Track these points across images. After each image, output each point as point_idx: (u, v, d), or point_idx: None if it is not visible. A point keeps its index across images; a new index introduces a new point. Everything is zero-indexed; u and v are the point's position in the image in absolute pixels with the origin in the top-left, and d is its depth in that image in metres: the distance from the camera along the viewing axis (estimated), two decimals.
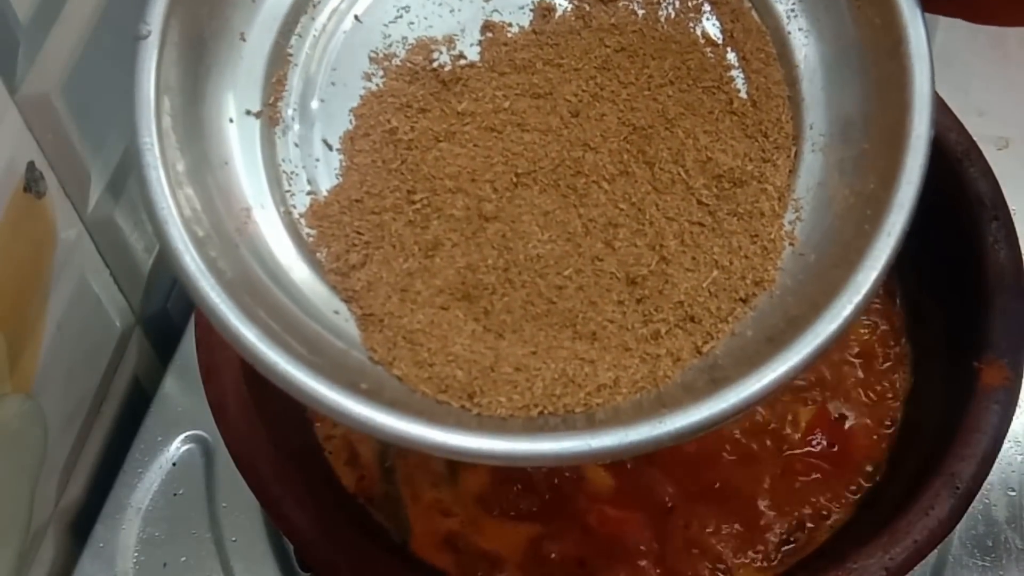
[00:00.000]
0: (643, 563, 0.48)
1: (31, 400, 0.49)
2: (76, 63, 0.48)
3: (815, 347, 0.32)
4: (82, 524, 0.55)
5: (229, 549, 0.53)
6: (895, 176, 0.34)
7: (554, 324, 0.35)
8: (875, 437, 0.50)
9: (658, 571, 0.48)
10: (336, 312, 0.36)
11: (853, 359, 0.52)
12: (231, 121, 0.37)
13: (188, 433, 0.56)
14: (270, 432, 0.46)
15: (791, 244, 0.36)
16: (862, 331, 0.52)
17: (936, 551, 0.48)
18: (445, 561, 0.48)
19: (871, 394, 0.51)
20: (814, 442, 0.50)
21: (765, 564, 0.48)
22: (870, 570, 0.43)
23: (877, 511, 0.47)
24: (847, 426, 0.50)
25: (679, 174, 0.37)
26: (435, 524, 0.49)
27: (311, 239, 0.36)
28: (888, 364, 0.52)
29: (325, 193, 0.37)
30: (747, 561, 0.48)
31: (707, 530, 0.48)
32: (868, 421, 0.50)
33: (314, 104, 0.38)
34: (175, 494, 0.55)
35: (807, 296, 0.35)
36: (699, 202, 0.37)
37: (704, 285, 0.35)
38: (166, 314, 0.62)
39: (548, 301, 0.35)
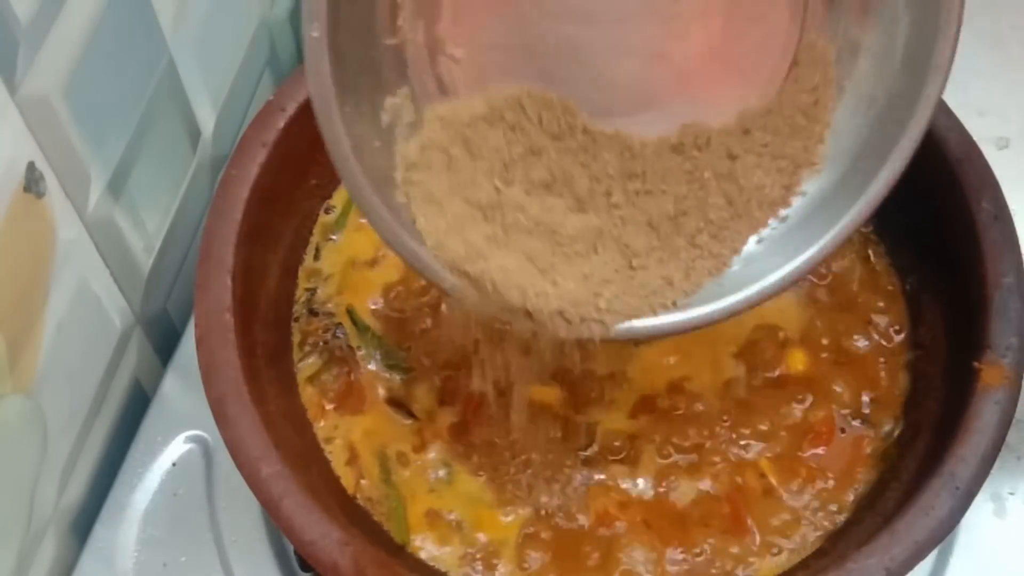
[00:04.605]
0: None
1: (31, 400, 0.49)
2: (76, 63, 0.48)
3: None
4: (82, 524, 0.55)
5: (229, 549, 0.53)
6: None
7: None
8: (875, 438, 0.50)
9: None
10: None
11: (854, 359, 0.52)
12: None
13: (188, 433, 0.56)
14: (270, 432, 0.46)
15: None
16: (862, 333, 0.52)
17: (936, 551, 0.49)
18: (444, 561, 0.48)
19: (871, 394, 0.51)
20: (816, 444, 0.50)
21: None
22: (870, 570, 0.43)
23: (877, 511, 0.47)
24: (847, 427, 0.50)
25: None
26: (434, 524, 0.49)
27: None
28: (888, 364, 0.52)
29: None
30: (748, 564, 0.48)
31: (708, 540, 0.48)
32: (868, 422, 0.51)
33: None
34: (175, 494, 0.55)
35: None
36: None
37: None
38: (166, 314, 0.62)
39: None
